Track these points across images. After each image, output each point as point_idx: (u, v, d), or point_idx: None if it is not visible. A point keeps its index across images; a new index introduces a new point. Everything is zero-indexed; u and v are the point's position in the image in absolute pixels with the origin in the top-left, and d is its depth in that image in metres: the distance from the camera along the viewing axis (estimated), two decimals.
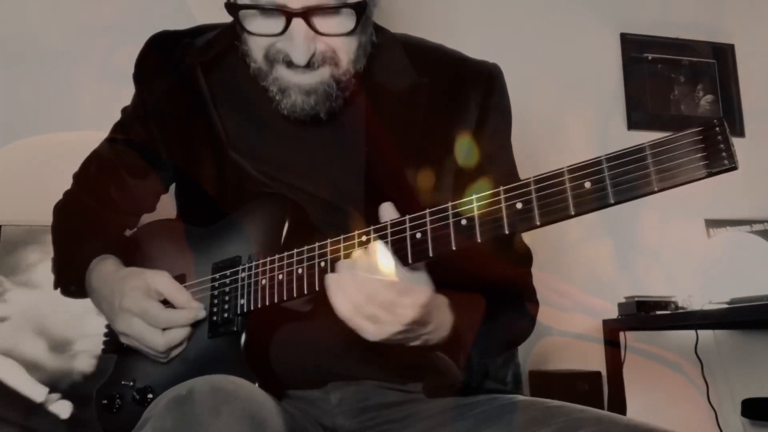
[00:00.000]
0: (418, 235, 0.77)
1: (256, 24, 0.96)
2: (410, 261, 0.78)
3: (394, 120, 1.04)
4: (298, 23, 0.93)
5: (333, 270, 0.84)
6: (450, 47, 1.14)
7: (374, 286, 0.79)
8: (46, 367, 1.94)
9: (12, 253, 1.99)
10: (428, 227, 0.76)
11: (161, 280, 1.01)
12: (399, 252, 0.79)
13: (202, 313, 0.99)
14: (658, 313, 2.39)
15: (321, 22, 0.94)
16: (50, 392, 1.88)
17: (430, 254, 0.76)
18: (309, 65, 0.96)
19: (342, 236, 0.84)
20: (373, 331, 0.81)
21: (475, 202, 0.74)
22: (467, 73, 1.09)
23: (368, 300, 0.79)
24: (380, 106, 1.05)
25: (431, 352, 0.92)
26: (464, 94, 1.07)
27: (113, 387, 1.08)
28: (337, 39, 0.96)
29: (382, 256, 0.80)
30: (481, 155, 1.06)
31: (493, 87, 1.09)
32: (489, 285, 0.98)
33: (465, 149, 1.05)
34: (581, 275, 2.60)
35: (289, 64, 0.96)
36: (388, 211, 0.84)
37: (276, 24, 0.94)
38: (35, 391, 1.93)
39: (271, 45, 0.97)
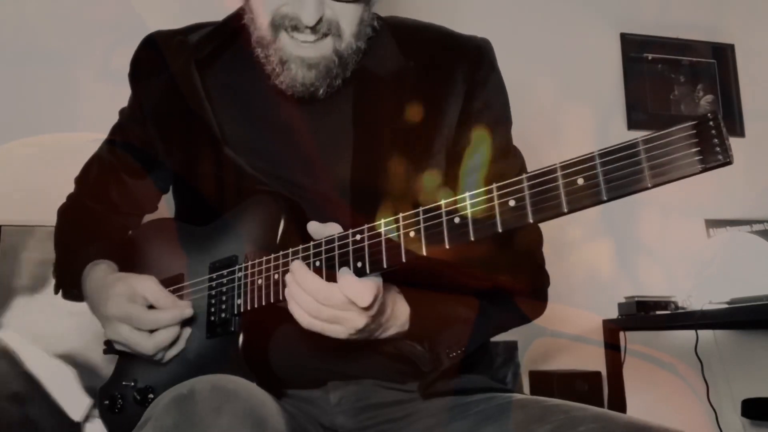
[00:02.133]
0: (412, 234, 0.77)
1: None
2: (403, 259, 0.77)
3: (382, 105, 1.04)
4: None
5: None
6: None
7: (317, 305, 0.82)
8: (101, 374, 1.88)
9: None
10: (422, 225, 0.76)
11: (147, 285, 1.01)
12: (392, 250, 0.78)
13: (188, 312, 0.99)
14: (658, 313, 2.39)
15: None
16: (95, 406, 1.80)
17: (424, 252, 0.76)
18: (315, 30, 0.96)
19: (336, 235, 0.84)
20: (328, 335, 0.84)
21: (468, 200, 0.73)
22: (454, 48, 1.08)
23: (315, 315, 0.82)
24: (368, 92, 1.05)
25: (399, 341, 0.92)
26: (451, 69, 1.05)
27: (114, 387, 1.09)
28: (343, 8, 0.97)
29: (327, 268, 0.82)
30: (473, 131, 1.05)
31: (481, 61, 1.07)
32: (478, 285, 0.97)
33: (455, 126, 1.04)
34: (581, 275, 2.60)
35: (294, 28, 0.97)
36: (318, 230, 0.86)
37: None
38: (77, 406, 1.88)
39: (278, 9, 0.98)
